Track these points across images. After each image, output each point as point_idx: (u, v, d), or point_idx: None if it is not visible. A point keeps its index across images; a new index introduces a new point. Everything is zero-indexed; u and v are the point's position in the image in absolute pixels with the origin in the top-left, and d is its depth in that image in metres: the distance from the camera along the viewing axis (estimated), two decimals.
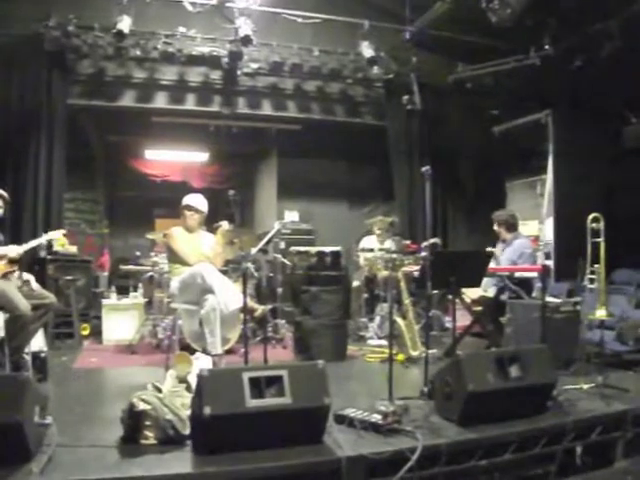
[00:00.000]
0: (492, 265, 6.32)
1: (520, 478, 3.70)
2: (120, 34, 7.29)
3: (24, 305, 4.95)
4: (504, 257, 6.57)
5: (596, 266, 5.12)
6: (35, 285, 5.37)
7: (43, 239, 5.58)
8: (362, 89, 9.25)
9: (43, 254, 7.19)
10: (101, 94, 8.24)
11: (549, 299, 5.51)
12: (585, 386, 4.64)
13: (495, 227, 6.81)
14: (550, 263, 7.81)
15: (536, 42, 7.77)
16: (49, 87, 7.78)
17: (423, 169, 4.79)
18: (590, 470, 3.96)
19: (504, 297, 6.11)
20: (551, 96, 8.34)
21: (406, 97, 8.75)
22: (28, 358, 5.16)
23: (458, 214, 9.61)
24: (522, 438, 3.68)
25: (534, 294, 6.09)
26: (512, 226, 6.76)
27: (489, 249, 6.77)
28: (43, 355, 5.37)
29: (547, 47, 7.67)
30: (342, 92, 9.13)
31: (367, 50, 8.20)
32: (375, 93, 9.32)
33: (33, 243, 5.52)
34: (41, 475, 2.94)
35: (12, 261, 5.25)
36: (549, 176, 8.26)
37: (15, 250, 5.24)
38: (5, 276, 5.12)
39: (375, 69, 8.75)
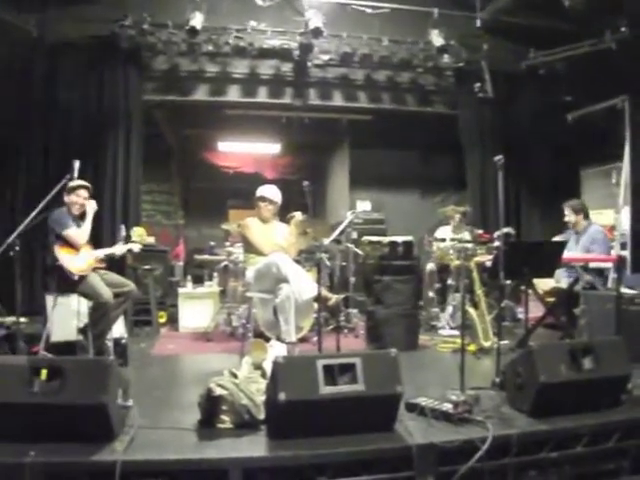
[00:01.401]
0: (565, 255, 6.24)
1: (591, 472, 3.61)
2: (193, 30, 7.47)
3: (107, 293, 5.19)
4: (580, 245, 6.46)
5: None
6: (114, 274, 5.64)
7: (124, 248, 5.81)
8: (433, 78, 9.15)
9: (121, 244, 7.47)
10: (175, 89, 8.44)
11: (624, 290, 5.39)
12: None
13: (571, 217, 6.66)
14: (626, 254, 7.61)
15: (612, 25, 7.54)
16: (126, 84, 8.05)
17: (496, 158, 4.74)
18: None
19: (578, 288, 6.01)
20: (628, 80, 8.07)
21: (477, 85, 8.64)
22: (110, 344, 5.41)
23: (531, 203, 9.43)
24: (594, 431, 3.61)
25: (609, 285, 5.96)
26: (586, 214, 6.65)
27: (556, 238, 6.69)
28: (124, 341, 5.61)
29: (623, 29, 7.44)
30: (412, 81, 9.06)
31: (437, 38, 8.12)
32: (446, 82, 9.21)
33: (115, 250, 5.76)
34: (124, 453, 3.08)
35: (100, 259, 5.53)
36: (625, 164, 8.01)
37: (99, 253, 5.53)
38: (94, 270, 5.37)
39: (445, 57, 8.64)
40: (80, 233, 5.35)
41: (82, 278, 5.17)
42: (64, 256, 5.17)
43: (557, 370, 3.75)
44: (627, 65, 7.80)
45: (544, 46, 8.50)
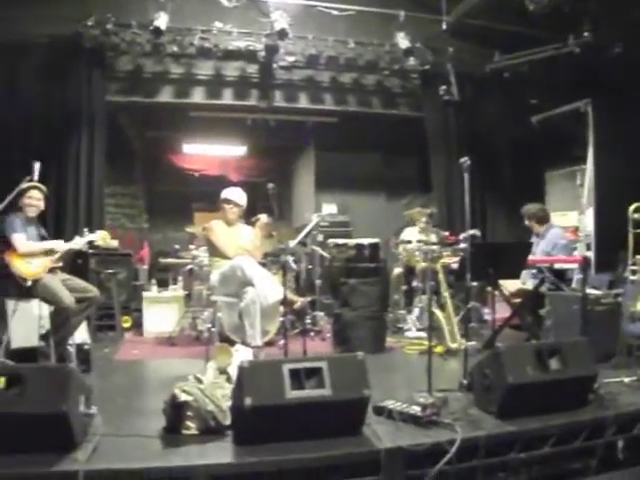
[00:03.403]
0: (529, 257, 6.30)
1: (560, 472, 3.64)
2: (157, 31, 7.38)
3: (68, 298, 5.09)
4: (539, 249, 6.54)
5: (638, 257, 5.05)
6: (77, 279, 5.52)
7: (85, 240, 5.70)
8: (398, 80, 9.17)
9: (85, 248, 7.33)
10: (139, 90, 8.34)
11: (589, 291, 5.44)
12: (626, 379, 4.57)
13: (526, 222, 6.83)
14: (590, 254, 7.70)
15: (575, 30, 7.63)
16: (89, 85, 7.91)
17: (461, 160, 4.75)
18: (632, 465, 3.88)
19: (543, 289, 6.06)
20: (591, 84, 8.19)
21: (443, 88, 8.68)
22: (72, 350, 5.30)
23: (497, 205, 9.52)
24: (562, 431, 3.64)
25: (574, 286, 6.02)
26: (542, 219, 6.77)
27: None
28: (86, 347, 5.50)
29: (586, 34, 7.53)
30: (378, 84, 9.07)
31: (403, 41, 8.15)
32: (411, 84, 9.24)
33: (76, 243, 5.64)
34: (86, 463, 3.01)
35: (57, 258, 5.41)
36: (589, 166, 8.12)
37: (61, 246, 5.40)
38: (52, 271, 5.26)
39: (411, 60, 8.67)
40: (27, 243, 5.22)
41: (36, 282, 5.06)
42: (16, 261, 5.07)
43: (524, 371, 3.77)
44: (590, 69, 7.92)
45: (509, 49, 8.58)
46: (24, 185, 5.30)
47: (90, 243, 5.81)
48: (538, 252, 6.51)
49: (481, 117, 9.34)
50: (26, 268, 5.09)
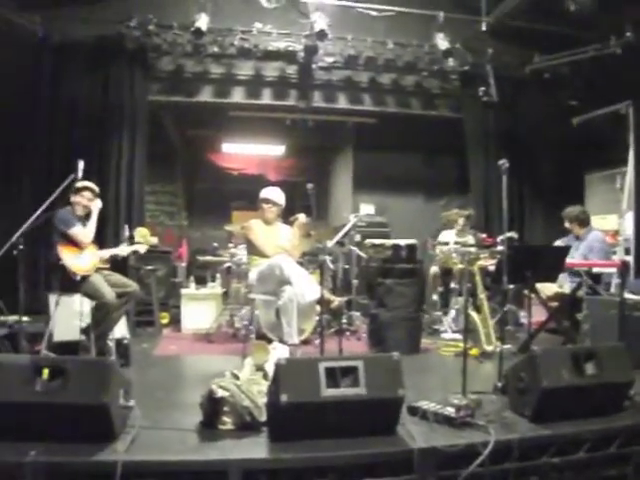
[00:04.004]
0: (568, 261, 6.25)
1: (593, 478, 3.59)
2: (198, 32, 7.46)
3: (109, 293, 5.21)
4: (578, 252, 6.48)
5: None
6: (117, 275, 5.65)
7: (131, 249, 5.83)
8: (437, 81, 9.14)
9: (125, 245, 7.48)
10: (180, 90, 8.46)
11: (628, 296, 5.37)
12: None
13: (567, 224, 6.76)
14: (630, 259, 7.60)
15: (617, 30, 7.53)
16: (131, 85, 8.06)
17: (499, 162, 4.73)
18: None
19: (581, 293, 6.00)
20: (632, 85, 8.06)
21: (482, 89, 8.62)
22: (112, 344, 5.41)
23: (535, 207, 9.42)
24: (597, 437, 3.59)
25: (612, 290, 5.95)
26: (583, 221, 6.70)
27: (556, 243, 6.72)
28: (126, 342, 5.62)
29: (628, 34, 7.43)
30: (417, 85, 9.04)
31: (442, 42, 8.10)
32: (451, 85, 9.19)
33: (119, 250, 5.78)
34: (125, 454, 3.08)
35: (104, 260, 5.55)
36: (630, 169, 7.99)
37: (103, 254, 5.56)
38: (98, 270, 5.39)
39: (450, 61, 8.64)
40: (86, 232, 5.37)
41: (85, 278, 5.19)
42: (67, 256, 5.19)
43: (559, 375, 3.74)
44: (631, 70, 7.79)
45: (549, 50, 8.49)
46: (79, 184, 5.44)
47: (135, 253, 5.94)
48: (578, 255, 6.45)
49: (520, 118, 9.26)
50: (77, 263, 5.21)
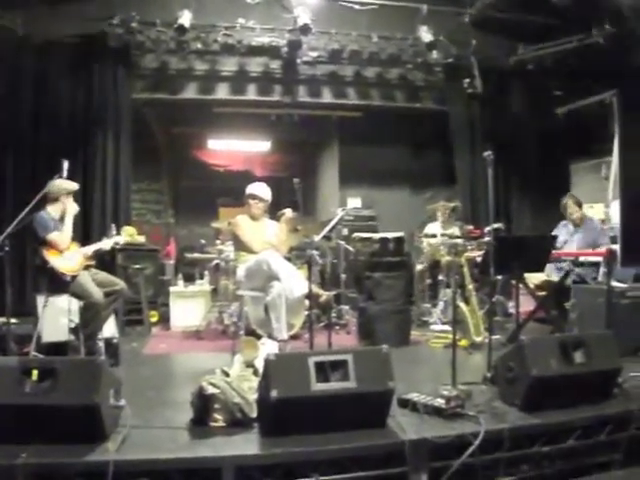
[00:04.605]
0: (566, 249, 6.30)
1: (584, 466, 3.62)
2: (181, 28, 7.45)
3: (97, 293, 5.18)
4: (584, 239, 6.54)
5: None
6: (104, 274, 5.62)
7: (112, 241, 5.79)
8: (422, 74, 9.15)
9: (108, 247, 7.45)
10: (164, 87, 8.44)
11: (615, 284, 5.41)
12: None
13: (575, 209, 6.75)
14: (616, 247, 7.64)
15: (599, 21, 7.56)
16: (115, 83, 8.03)
17: (485, 154, 4.74)
18: None
19: (569, 282, 6.03)
20: (616, 75, 8.10)
21: (467, 81, 8.63)
22: (101, 344, 5.39)
23: (522, 198, 9.46)
24: (586, 425, 3.63)
25: (599, 279, 5.99)
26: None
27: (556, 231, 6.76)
28: (115, 341, 5.60)
29: (607, 26, 7.45)
30: (402, 77, 9.05)
31: (426, 34, 8.12)
32: (435, 77, 9.21)
33: (102, 244, 5.74)
34: (117, 453, 3.07)
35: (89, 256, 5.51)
36: (614, 158, 8.04)
37: (90, 249, 5.51)
38: (85, 269, 5.36)
39: (434, 53, 8.65)
40: (62, 237, 5.28)
41: (73, 278, 5.16)
42: (54, 258, 5.15)
43: (548, 364, 3.76)
44: (615, 60, 7.83)
45: (533, 41, 8.53)
46: (70, 187, 5.43)
47: (116, 244, 5.88)
48: (584, 242, 6.53)
49: (505, 110, 9.30)
50: (65, 264, 5.17)
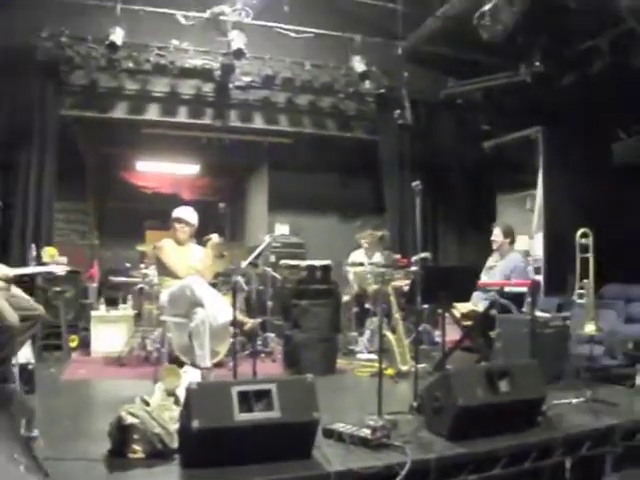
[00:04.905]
0: (486, 278, 6.37)
1: None
2: (113, 46, 7.29)
3: (12, 316, 4.90)
4: (498, 270, 6.60)
5: (585, 281, 5.12)
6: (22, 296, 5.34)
7: (40, 269, 5.54)
8: (354, 103, 9.25)
9: (32, 265, 7.16)
10: (93, 105, 8.25)
11: (538, 314, 5.53)
12: (574, 401, 4.64)
13: (499, 237, 6.76)
14: (540, 278, 7.83)
15: (527, 58, 7.82)
16: (41, 98, 7.78)
17: (413, 184, 4.80)
18: None
19: (494, 312, 6.12)
20: (541, 112, 8.39)
21: (397, 112, 8.66)
22: (15, 370, 5.13)
23: (449, 228, 9.63)
24: (511, 453, 3.66)
25: (524, 309, 6.10)
26: (513, 240, 6.82)
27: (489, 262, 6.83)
28: (30, 367, 5.31)
29: (537, 64, 7.72)
30: (334, 106, 9.13)
31: (359, 65, 8.23)
32: (367, 107, 9.33)
33: (28, 270, 5.47)
34: None
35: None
36: (539, 191, 8.29)
37: (6, 271, 5.20)
38: None
39: (367, 84, 8.77)
40: None
41: None
42: None
43: (474, 393, 3.80)
44: (541, 97, 8.11)
45: (463, 76, 8.77)
46: None
47: (38, 254, 5.63)
48: (497, 273, 6.58)
49: (434, 142, 9.48)
50: None
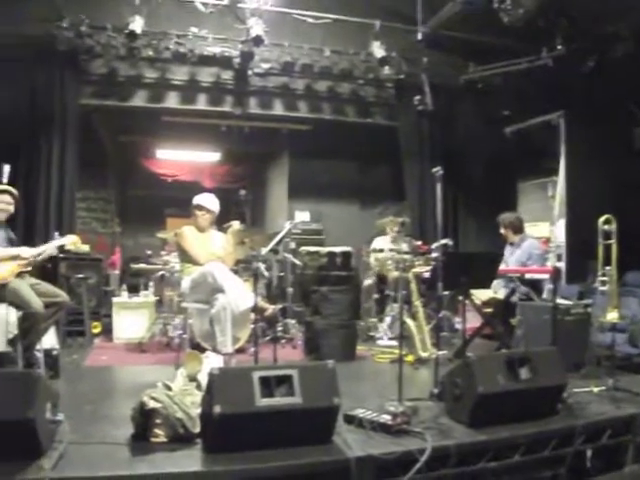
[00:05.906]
0: (502, 267, 6.33)
1: None
2: (132, 34, 7.32)
3: (36, 302, 4.98)
4: (513, 259, 6.58)
5: (607, 268, 5.05)
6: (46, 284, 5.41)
7: (55, 244, 5.58)
8: (373, 89, 9.22)
9: (55, 252, 7.23)
10: (113, 94, 8.27)
11: (560, 301, 5.48)
12: (595, 389, 4.62)
13: (502, 230, 6.83)
14: (561, 265, 7.77)
15: (548, 43, 7.73)
16: (62, 87, 7.82)
17: (434, 170, 4.77)
18: (600, 474, 3.93)
19: (515, 299, 6.09)
20: (563, 97, 8.29)
21: (417, 97, 8.68)
22: (40, 355, 5.20)
23: (469, 215, 9.59)
24: (531, 440, 3.66)
25: (544, 296, 6.06)
26: (518, 228, 6.78)
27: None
28: (55, 353, 5.40)
29: (559, 48, 7.63)
30: (353, 92, 9.09)
31: (378, 50, 8.18)
32: (386, 93, 9.29)
33: (45, 248, 5.51)
34: (52, 471, 2.94)
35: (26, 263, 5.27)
36: (561, 177, 8.21)
37: (29, 252, 5.25)
38: (19, 275, 5.15)
39: (386, 69, 8.71)
40: None
41: (3, 286, 4.95)
42: None
43: (495, 380, 3.78)
44: (563, 82, 8.01)
45: (483, 61, 8.67)
46: None
47: (60, 247, 5.66)
48: (513, 261, 6.54)
49: (455, 127, 9.42)
50: None
